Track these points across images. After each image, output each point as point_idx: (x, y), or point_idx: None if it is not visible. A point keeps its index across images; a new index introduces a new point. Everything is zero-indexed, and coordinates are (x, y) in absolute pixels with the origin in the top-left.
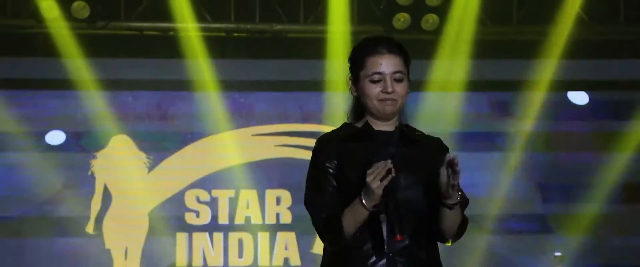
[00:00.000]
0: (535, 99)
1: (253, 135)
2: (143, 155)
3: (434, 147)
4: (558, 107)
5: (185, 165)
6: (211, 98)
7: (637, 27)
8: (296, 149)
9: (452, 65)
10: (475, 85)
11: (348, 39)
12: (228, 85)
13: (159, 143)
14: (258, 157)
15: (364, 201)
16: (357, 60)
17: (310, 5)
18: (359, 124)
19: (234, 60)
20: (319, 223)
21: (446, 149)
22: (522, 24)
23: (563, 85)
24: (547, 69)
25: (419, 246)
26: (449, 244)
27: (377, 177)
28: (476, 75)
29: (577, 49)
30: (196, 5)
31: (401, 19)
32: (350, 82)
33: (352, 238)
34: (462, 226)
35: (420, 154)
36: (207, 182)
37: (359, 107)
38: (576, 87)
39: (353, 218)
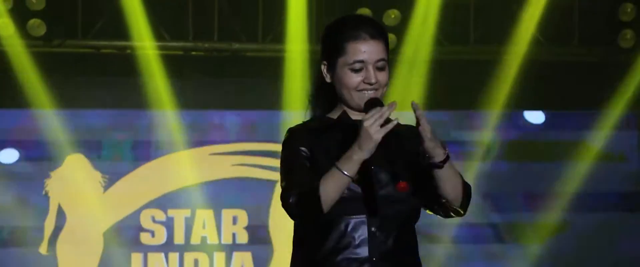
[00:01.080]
0: (492, 118)
1: (210, 154)
2: (98, 174)
3: (412, 136)
4: (514, 126)
5: (141, 184)
6: (168, 117)
7: (590, 48)
8: (253, 169)
9: (409, 84)
10: (432, 104)
11: (306, 58)
12: (186, 104)
13: (115, 162)
14: (215, 176)
15: (354, 154)
16: (335, 45)
17: (269, 24)
18: (333, 115)
19: (192, 78)
20: (291, 198)
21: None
22: (479, 43)
23: (519, 104)
24: (503, 87)
25: (403, 248)
26: (463, 215)
27: (377, 122)
28: (434, 93)
29: (533, 69)
30: (154, 23)
31: None
32: (323, 67)
33: (332, 241)
34: (466, 188)
35: (401, 146)
36: (163, 202)
37: (333, 96)
38: (532, 107)
39: (333, 184)
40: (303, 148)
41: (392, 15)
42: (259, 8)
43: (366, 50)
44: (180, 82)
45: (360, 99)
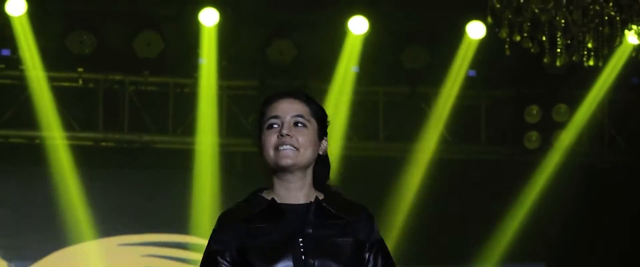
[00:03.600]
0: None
1: (119, 245)
2: (4, 264)
3: (357, 220)
4: None
5: None
6: (76, 207)
7: (496, 147)
8: (162, 260)
9: None
10: None
11: (216, 150)
12: (94, 194)
13: (21, 251)
14: None
15: None
16: (260, 115)
17: (179, 116)
18: (268, 195)
19: (101, 169)
20: None
21: (372, 220)
22: (388, 140)
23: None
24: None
25: None
26: None
27: None
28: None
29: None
30: (64, 113)
31: None
32: (256, 141)
33: None
34: None
35: (341, 232)
36: None
37: (267, 173)
38: None
39: None
40: (221, 258)
41: None
42: (170, 100)
43: (280, 107)
44: (89, 172)
45: (277, 157)
